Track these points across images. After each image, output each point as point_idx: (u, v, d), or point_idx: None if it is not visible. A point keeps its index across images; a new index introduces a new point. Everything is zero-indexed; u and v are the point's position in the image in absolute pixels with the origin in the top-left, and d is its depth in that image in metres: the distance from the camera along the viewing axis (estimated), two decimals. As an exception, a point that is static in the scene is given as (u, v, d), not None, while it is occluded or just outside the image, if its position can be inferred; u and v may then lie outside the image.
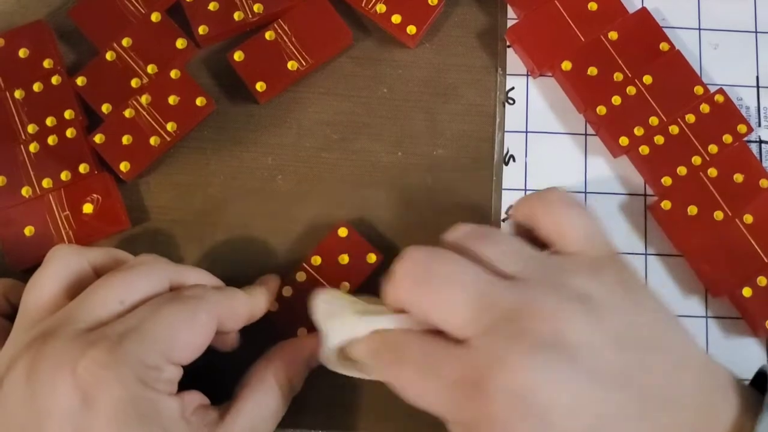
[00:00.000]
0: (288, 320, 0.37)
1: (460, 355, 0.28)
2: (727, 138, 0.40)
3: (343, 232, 0.38)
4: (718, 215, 0.39)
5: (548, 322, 0.27)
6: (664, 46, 0.41)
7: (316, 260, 0.38)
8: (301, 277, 0.38)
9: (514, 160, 0.41)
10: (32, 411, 0.29)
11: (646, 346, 0.28)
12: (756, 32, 0.43)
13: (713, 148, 0.39)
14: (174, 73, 0.40)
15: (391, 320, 0.31)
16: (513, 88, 0.42)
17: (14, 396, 0.29)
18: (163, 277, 0.33)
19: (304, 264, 0.38)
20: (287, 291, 0.37)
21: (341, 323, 0.32)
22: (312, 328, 0.37)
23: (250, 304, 0.35)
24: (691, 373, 0.28)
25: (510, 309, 0.28)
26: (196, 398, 0.32)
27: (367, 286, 0.38)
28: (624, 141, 0.39)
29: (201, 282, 0.35)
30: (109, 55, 0.40)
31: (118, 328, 0.30)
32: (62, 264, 0.33)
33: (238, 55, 0.40)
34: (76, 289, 0.33)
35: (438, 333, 0.29)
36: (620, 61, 0.40)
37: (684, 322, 0.38)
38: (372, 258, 0.38)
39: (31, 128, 0.39)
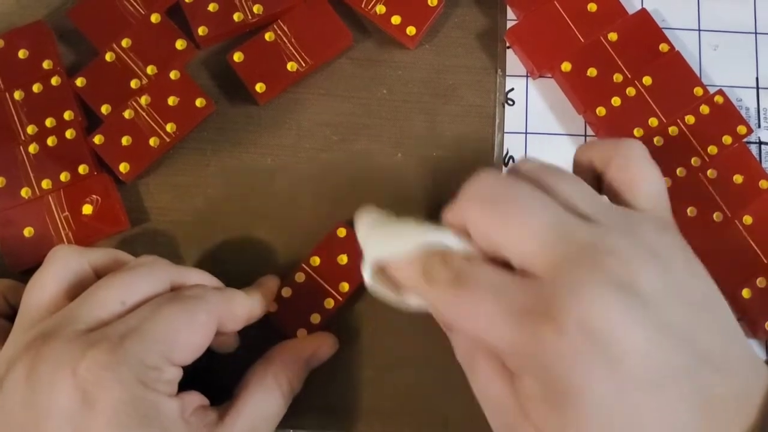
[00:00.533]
0: (287, 321, 0.37)
1: (529, 284, 0.27)
2: (727, 139, 0.40)
3: (342, 232, 0.38)
4: (718, 216, 0.39)
5: (624, 266, 0.26)
6: (663, 47, 0.41)
7: (315, 261, 0.38)
8: (300, 277, 0.38)
9: (513, 161, 0.41)
10: (32, 411, 0.29)
11: (703, 308, 0.28)
12: (756, 33, 0.43)
13: (713, 149, 0.39)
14: (173, 74, 0.40)
15: (453, 240, 0.29)
16: (512, 90, 0.42)
17: (14, 396, 0.29)
18: (163, 277, 0.33)
19: (303, 264, 0.38)
20: (286, 292, 0.37)
21: (387, 234, 0.30)
22: (311, 329, 0.37)
23: (250, 304, 0.35)
24: (740, 345, 0.28)
25: (585, 245, 0.27)
26: (195, 399, 0.32)
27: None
28: (623, 142, 0.39)
29: (201, 282, 0.35)
30: (109, 56, 0.40)
31: (119, 329, 0.30)
32: (62, 264, 0.33)
33: (237, 56, 0.40)
34: (77, 289, 0.33)
35: (502, 263, 0.28)
36: (620, 62, 0.40)
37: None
38: None
39: (31, 129, 0.39)
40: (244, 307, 0.34)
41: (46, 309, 0.32)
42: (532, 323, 0.26)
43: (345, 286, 0.37)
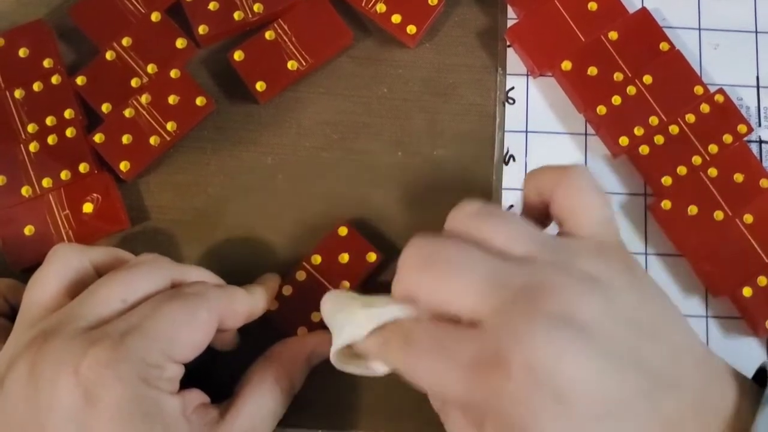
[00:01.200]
0: (288, 319, 0.37)
1: (474, 335, 0.27)
2: (727, 138, 0.40)
3: (343, 231, 0.38)
4: (719, 215, 0.39)
5: (561, 300, 0.27)
6: (664, 46, 0.41)
7: (316, 259, 0.38)
8: (300, 276, 0.38)
9: (514, 160, 0.41)
10: (34, 409, 0.29)
11: (651, 330, 0.28)
12: (756, 32, 0.43)
13: (713, 148, 0.39)
14: (174, 73, 0.40)
15: (400, 310, 0.30)
16: (513, 88, 0.42)
17: (16, 395, 0.29)
18: (164, 275, 0.33)
19: (304, 263, 0.38)
20: (287, 290, 0.37)
21: (349, 318, 0.31)
22: (312, 327, 0.37)
23: (250, 302, 0.35)
24: (692, 359, 0.28)
25: (521, 287, 0.27)
26: (196, 397, 0.32)
27: (367, 285, 0.38)
28: (624, 141, 0.39)
29: (202, 280, 0.35)
30: (109, 55, 0.40)
31: (120, 326, 0.30)
32: (63, 263, 0.33)
33: (238, 55, 0.40)
34: (78, 287, 0.33)
35: (448, 320, 0.29)
36: (620, 61, 0.40)
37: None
38: (372, 257, 0.38)
39: (31, 128, 0.39)
40: (244, 304, 0.34)
41: (47, 307, 0.32)
42: (481, 372, 0.26)
43: (346, 285, 0.37)
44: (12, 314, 0.36)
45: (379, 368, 0.32)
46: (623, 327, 0.27)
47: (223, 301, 0.33)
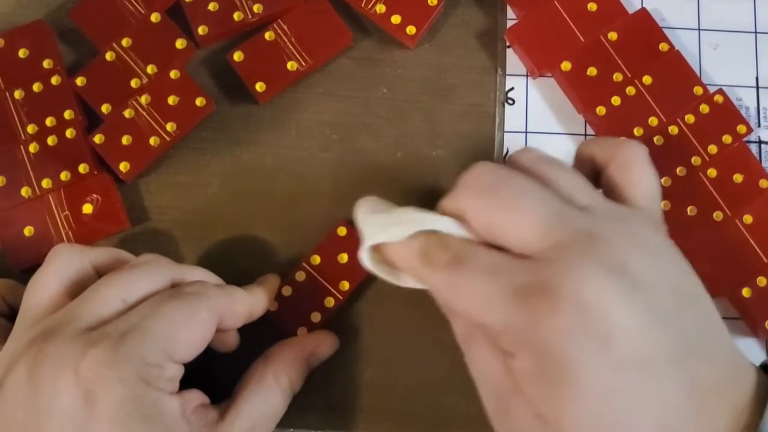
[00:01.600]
0: (288, 319, 0.37)
1: (527, 265, 0.27)
2: (727, 138, 0.40)
3: (342, 231, 0.38)
4: (718, 215, 0.39)
5: (619, 251, 0.27)
6: (663, 46, 0.41)
7: (316, 259, 0.38)
8: (300, 276, 0.38)
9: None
10: (33, 410, 0.29)
11: (693, 300, 0.28)
12: (755, 33, 0.43)
13: (713, 149, 0.39)
14: (174, 74, 0.40)
15: (446, 224, 0.29)
16: (512, 89, 0.42)
17: (15, 395, 0.29)
18: (164, 275, 0.33)
19: (304, 263, 0.38)
20: (287, 290, 0.37)
21: (389, 218, 0.31)
22: (312, 327, 0.37)
23: (250, 302, 0.35)
24: (724, 338, 0.29)
25: (581, 230, 0.27)
26: (196, 397, 0.32)
27: (367, 285, 0.38)
28: (623, 141, 0.39)
29: (202, 280, 0.35)
30: (109, 56, 0.40)
31: (120, 326, 0.30)
32: (64, 263, 0.33)
33: (237, 56, 0.40)
34: (78, 288, 0.33)
35: (499, 249, 0.29)
36: (620, 62, 0.40)
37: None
38: None
39: (31, 128, 0.39)
40: (244, 304, 0.34)
41: (47, 308, 0.32)
42: (528, 302, 0.26)
43: (345, 285, 0.37)
44: (11, 315, 0.36)
45: (408, 282, 0.31)
46: (669, 293, 0.27)
47: (222, 300, 0.33)
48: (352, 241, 0.38)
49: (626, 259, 0.27)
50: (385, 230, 0.31)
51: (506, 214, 0.28)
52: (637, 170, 0.32)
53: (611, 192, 0.32)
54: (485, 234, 0.29)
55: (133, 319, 0.30)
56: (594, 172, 0.33)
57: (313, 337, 0.37)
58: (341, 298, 0.37)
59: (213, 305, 0.32)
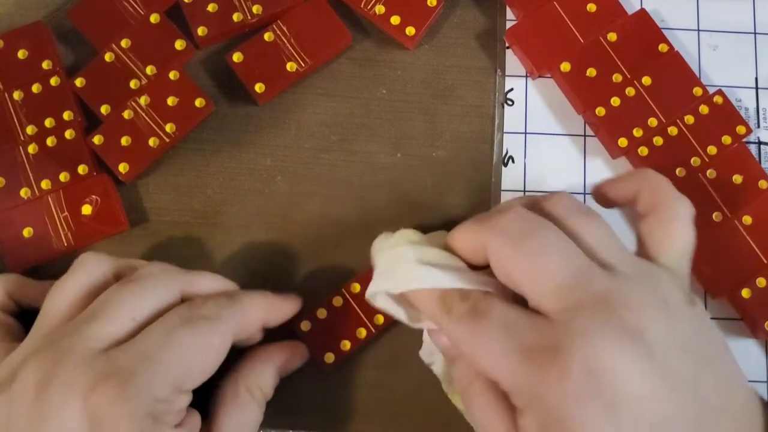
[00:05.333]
0: (318, 342, 0.37)
1: (541, 324, 0.27)
2: (726, 139, 0.40)
3: None
4: (717, 216, 0.39)
5: (635, 315, 0.27)
6: (663, 47, 0.41)
7: (356, 288, 0.37)
8: (337, 302, 0.37)
9: (513, 162, 0.41)
10: (36, 429, 0.29)
11: (706, 357, 0.28)
12: (755, 33, 0.43)
13: (712, 150, 0.39)
14: (173, 75, 0.40)
15: (467, 279, 0.30)
16: (512, 90, 0.42)
17: (20, 408, 0.29)
18: (173, 287, 0.33)
19: (344, 290, 0.37)
20: (321, 313, 0.37)
21: (406, 271, 0.31)
22: (340, 355, 0.37)
23: (264, 312, 0.34)
24: (740, 391, 0.29)
25: (601, 293, 0.28)
26: (196, 424, 0.32)
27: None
28: (623, 142, 0.39)
29: (213, 288, 0.34)
30: (108, 57, 0.40)
31: (132, 356, 0.30)
32: (87, 273, 0.33)
33: (237, 57, 0.40)
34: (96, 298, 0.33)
35: (513, 296, 0.29)
36: (619, 62, 0.40)
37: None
38: None
39: (30, 129, 0.39)
40: (258, 317, 0.34)
41: (63, 317, 0.32)
42: (539, 361, 0.27)
43: (380, 319, 0.37)
44: (20, 312, 0.36)
45: (419, 321, 0.32)
46: (687, 353, 0.27)
47: (237, 318, 0.33)
48: None
49: (643, 324, 0.27)
50: (403, 282, 0.31)
51: (528, 267, 0.28)
52: (677, 230, 0.31)
53: (643, 239, 0.32)
54: (505, 279, 0.29)
55: (145, 348, 0.30)
56: (622, 206, 0.33)
57: (284, 348, 0.36)
58: (374, 331, 0.37)
59: (227, 330, 0.32)
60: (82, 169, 0.39)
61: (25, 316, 0.36)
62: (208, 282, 0.35)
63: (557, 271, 0.28)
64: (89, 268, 0.33)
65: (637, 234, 0.32)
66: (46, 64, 0.40)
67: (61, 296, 0.33)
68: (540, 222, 0.30)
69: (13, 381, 0.30)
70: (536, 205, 0.31)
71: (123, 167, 0.39)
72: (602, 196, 0.34)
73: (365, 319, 0.37)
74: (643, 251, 0.31)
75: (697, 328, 0.29)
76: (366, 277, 0.37)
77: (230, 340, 0.32)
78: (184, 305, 0.33)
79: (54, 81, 0.40)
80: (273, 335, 0.36)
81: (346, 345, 0.37)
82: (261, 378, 0.34)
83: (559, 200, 0.31)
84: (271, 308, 0.35)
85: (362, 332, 0.37)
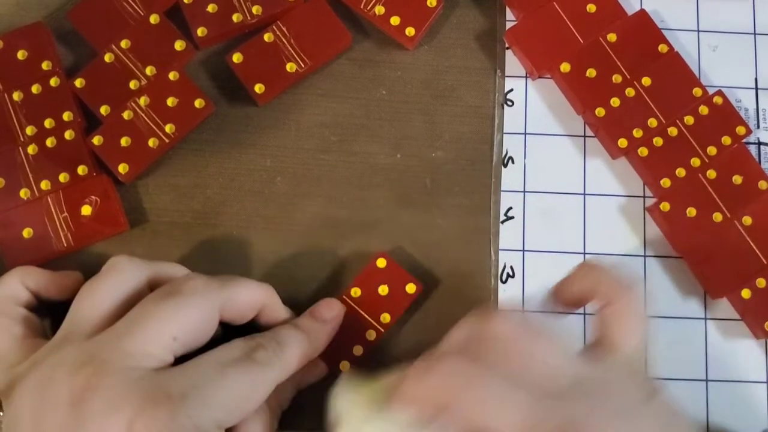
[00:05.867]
0: (331, 353, 0.36)
1: None
2: (726, 140, 0.40)
3: (381, 263, 0.38)
4: (717, 217, 0.39)
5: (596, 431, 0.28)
6: (662, 47, 0.41)
7: (356, 292, 0.37)
8: None
9: (513, 162, 0.41)
10: None
11: None
12: (755, 34, 0.43)
13: (712, 150, 0.39)
14: (172, 75, 0.40)
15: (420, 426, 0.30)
16: (512, 90, 0.42)
17: (52, 412, 0.29)
18: (213, 305, 0.33)
19: (344, 296, 0.37)
20: None
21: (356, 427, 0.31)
22: (354, 361, 0.37)
23: (300, 368, 0.34)
24: None
25: (559, 426, 0.28)
26: None
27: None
28: (623, 143, 0.39)
29: (252, 300, 0.34)
30: (108, 57, 0.40)
31: (182, 384, 0.30)
32: (120, 278, 0.33)
33: (236, 57, 0.40)
34: (130, 306, 0.32)
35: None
36: (619, 63, 0.40)
37: (683, 325, 0.39)
38: (411, 288, 0.37)
39: (30, 130, 0.39)
40: (297, 368, 0.34)
41: (97, 324, 0.32)
42: None
43: (386, 317, 0.37)
44: (36, 303, 0.36)
45: None
46: None
47: (284, 369, 0.33)
48: (392, 272, 0.37)
49: None
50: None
51: (481, 411, 0.28)
52: (632, 320, 0.32)
53: (601, 331, 0.32)
54: (462, 425, 0.29)
55: (197, 379, 0.30)
56: (580, 301, 0.34)
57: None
58: (382, 330, 0.37)
59: (275, 379, 0.32)
60: (81, 170, 0.38)
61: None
62: (247, 295, 0.34)
63: (507, 420, 0.28)
64: (125, 276, 0.33)
65: (594, 325, 0.33)
66: (45, 65, 0.40)
67: (94, 302, 0.32)
68: (477, 372, 0.29)
69: (45, 384, 0.30)
70: (482, 329, 0.31)
71: (123, 168, 0.39)
72: (561, 299, 0.34)
73: (372, 321, 0.37)
74: (600, 343, 0.32)
75: (661, 422, 0.30)
76: (365, 281, 0.37)
77: (276, 385, 0.32)
78: (241, 343, 0.32)
79: (54, 81, 0.39)
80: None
81: (359, 350, 0.37)
82: (281, 393, 0.34)
83: (504, 322, 0.31)
84: (306, 365, 0.35)
85: (372, 334, 0.37)
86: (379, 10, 0.41)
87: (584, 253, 0.40)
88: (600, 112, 0.40)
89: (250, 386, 0.31)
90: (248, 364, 0.31)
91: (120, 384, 0.29)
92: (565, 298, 0.34)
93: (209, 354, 0.31)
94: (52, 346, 0.32)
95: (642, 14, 0.41)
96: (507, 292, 0.39)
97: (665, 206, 0.39)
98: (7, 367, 0.32)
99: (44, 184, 0.38)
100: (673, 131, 0.40)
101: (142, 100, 0.39)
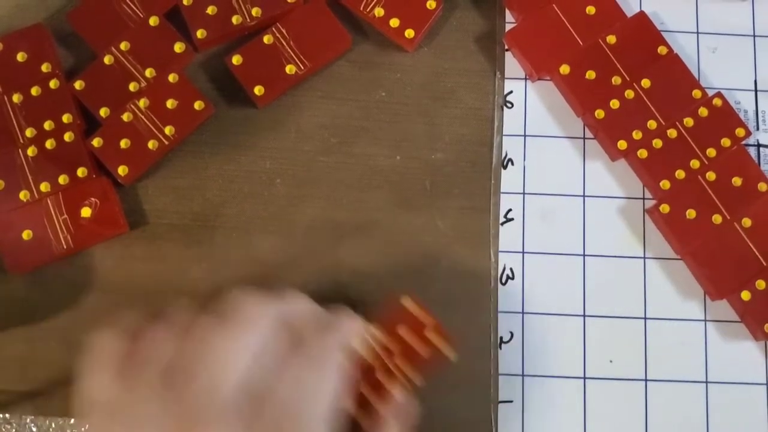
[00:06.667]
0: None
1: None
2: (726, 141, 0.40)
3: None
4: (717, 219, 0.39)
5: None
6: (662, 49, 0.41)
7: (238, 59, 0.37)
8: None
9: (512, 164, 0.41)
10: None
11: None
12: (754, 36, 0.43)
13: (711, 152, 0.39)
14: (172, 77, 0.40)
15: None
16: (511, 92, 0.42)
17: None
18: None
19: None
20: None
21: None
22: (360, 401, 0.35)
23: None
24: None
25: None
26: None
27: (366, 287, 0.38)
28: (622, 144, 0.39)
29: (307, 313, 0.33)
30: (108, 59, 0.40)
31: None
32: (259, 335, 0.31)
33: (236, 59, 0.40)
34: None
35: None
36: (618, 65, 0.40)
37: (683, 326, 0.39)
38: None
39: (29, 132, 0.39)
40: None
41: (238, 387, 0.30)
42: None
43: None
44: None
45: None
46: None
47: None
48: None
49: None
50: None
51: None
52: None
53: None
54: None
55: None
56: None
57: None
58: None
59: None
60: (81, 172, 0.39)
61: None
62: (302, 307, 0.33)
63: None
64: (259, 331, 0.31)
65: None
66: (45, 67, 0.40)
67: (234, 360, 0.30)
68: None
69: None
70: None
71: (122, 170, 0.39)
72: None
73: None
74: None
75: None
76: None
77: None
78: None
79: (53, 84, 0.40)
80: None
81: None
82: None
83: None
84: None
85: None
86: (379, 12, 0.41)
87: (584, 255, 0.40)
88: (599, 114, 0.40)
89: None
90: None
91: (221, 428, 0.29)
92: None
93: None
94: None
95: (641, 16, 0.41)
96: (507, 294, 0.39)
97: (665, 208, 0.39)
98: None
99: (44, 186, 0.38)
100: (672, 133, 0.40)
101: (142, 102, 0.39)
